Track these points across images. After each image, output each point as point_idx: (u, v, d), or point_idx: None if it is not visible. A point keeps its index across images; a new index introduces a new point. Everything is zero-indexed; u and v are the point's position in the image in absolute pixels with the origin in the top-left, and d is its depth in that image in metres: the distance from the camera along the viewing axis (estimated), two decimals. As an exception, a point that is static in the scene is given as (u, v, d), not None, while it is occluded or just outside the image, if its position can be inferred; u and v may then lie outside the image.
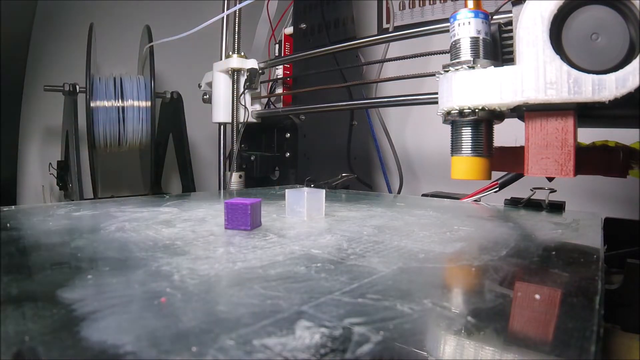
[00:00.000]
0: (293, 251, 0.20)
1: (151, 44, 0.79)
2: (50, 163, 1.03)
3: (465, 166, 0.31)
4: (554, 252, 0.22)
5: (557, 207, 0.38)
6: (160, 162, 1.10)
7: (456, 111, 0.30)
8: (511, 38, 0.30)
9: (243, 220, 0.24)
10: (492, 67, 0.29)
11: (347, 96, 0.78)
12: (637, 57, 0.24)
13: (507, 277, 0.17)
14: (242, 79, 0.72)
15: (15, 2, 0.73)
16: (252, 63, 0.71)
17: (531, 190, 0.40)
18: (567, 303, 0.15)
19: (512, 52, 0.29)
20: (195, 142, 1.05)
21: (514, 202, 0.41)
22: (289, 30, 0.85)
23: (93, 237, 0.23)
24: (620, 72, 0.24)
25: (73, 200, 0.97)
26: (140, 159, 1.10)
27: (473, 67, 0.29)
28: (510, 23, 0.30)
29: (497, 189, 0.44)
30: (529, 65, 0.27)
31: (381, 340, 0.11)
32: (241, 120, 0.72)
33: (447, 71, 0.31)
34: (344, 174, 0.59)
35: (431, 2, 0.88)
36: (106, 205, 0.36)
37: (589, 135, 0.36)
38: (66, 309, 0.13)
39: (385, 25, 0.94)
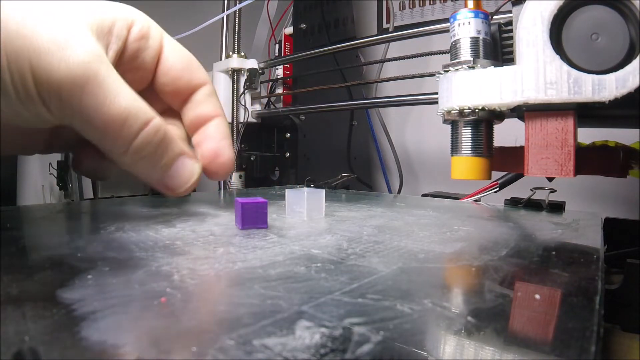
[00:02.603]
0: (293, 251, 0.20)
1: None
2: (50, 163, 1.03)
3: (465, 166, 0.31)
4: (554, 252, 0.22)
5: (557, 207, 0.38)
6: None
7: (456, 111, 0.30)
8: (511, 38, 0.30)
9: (260, 218, 0.25)
10: (492, 67, 0.29)
11: (347, 96, 0.78)
12: (637, 57, 0.24)
13: (507, 277, 0.17)
14: (242, 79, 0.72)
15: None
16: (252, 63, 0.71)
17: (531, 190, 0.40)
18: (567, 303, 0.15)
19: (512, 52, 0.29)
20: (195, 142, 1.05)
21: (514, 202, 0.41)
22: (289, 30, 0.85)
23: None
24: (620, 72, 0.24)
25: (73, 200, 0.97)
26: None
27: (473, 67, 0.29)
28: (510, 23, 0.30)
29: (497, 189, 0.44)
30: (529, 65, 0.27)
31: (381, 340, 0.11)
32: (241, 120, 0.72)
33: (447, 71, 0.31)
34: (344, 174, 0.59)
35: (431, 2, 0.88)
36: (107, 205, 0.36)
37: (589, 135, 0.36)
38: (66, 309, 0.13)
39: (385, 25, 0.94)
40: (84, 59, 0.20)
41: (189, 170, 0.25)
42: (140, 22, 0.25)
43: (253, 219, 0.25)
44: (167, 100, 0.29)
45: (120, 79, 0.22)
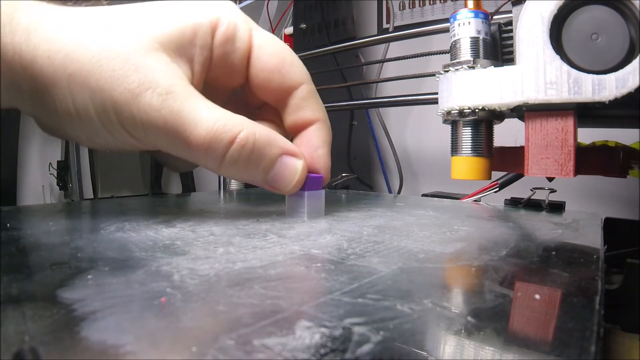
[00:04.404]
0: (293, 251, 0.20)
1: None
2: (50, 163, 1.03)
3: (465, 166, 0.31)
4: (554, 252, 0.22)
5: (557, 207, 0.38)
6: (160, 162, 1.08)
7: (456, 111, 0.30)
8: (511, 38, 0.30)
9: (318, 183, 0.28)
10: (492, 67, 0.29)
11: (347, 96, 0.78)
12: (637, 57, 0.24)
13: (507, 277, 0.17)
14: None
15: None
16: (252, 63, 0.71)
17: (531, 190, 0.40)
18: (567, 303, 0.15)
19: (512, 52, 0.29)
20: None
21: (514, 202, 0.41)
22: (289, 30, 0.85)
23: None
24: (620, 72, 0.24)
25: (73, 200, 0.97)
26: (140, 159, 1.10)
27: (473, 67, 0.29)
28: (510, 23, 0.30)
29: (497, 189, 0.44)
30: (529, 66, 0.27)
31: (381, 340, 0.11)
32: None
33: (447, 71, 0.31)
34: (344, 174, 0.59)
35: (431, 2, 0.88)
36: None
37: (589, 135, 0.36)
38: (66, 309, 0.13)
39: (385, 25, 0.94)
40: (157, 103, 0.21)
41: (291, 169, 0.25)
42: (226, 22, 0.24)
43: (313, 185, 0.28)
44: (265, 99, 0.28)
45: (198, 103, 0.22)
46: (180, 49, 0.22)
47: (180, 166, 0.30)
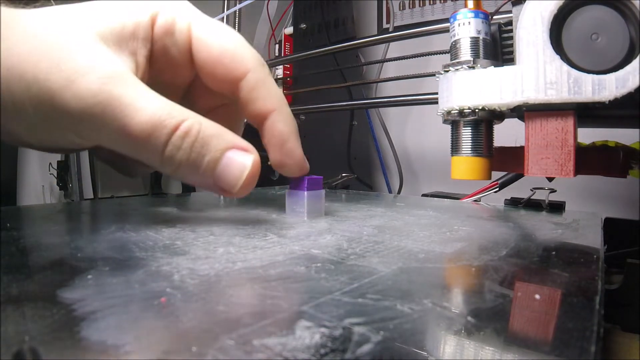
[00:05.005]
0: (293, 251, 0.20)
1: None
2: (50, 163, 1.03)
3: (465, 166, 0.31)
4: (554, 252, 0.22)
5: (557, 207, 0.38)
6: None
7: (456, 111, 0.30)
8: (511, 38, 0.30)
9: (302, 186, 0.29)
10: (492, 67, 0.29)
11: (347, 96, 0.78)
12: (637, 57, 0.24)
13: (507, 277, 0.17)
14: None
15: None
16: (252, 63, 0.71)
17: (531, 190, 0.40)
18: (567, 303, 0.15)
19: (512, 52, 0.29)
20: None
21: (514, 202, 0.41)
22: (289, 30, 0.85)
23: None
24: (620, 72, 0.24)
25: (73, 200, 0.97)
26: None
27: (473, 67, 0.29)
28: (510, 23, 0.30)
29: (497, 189, 0.44)
30: (529, 65, 0.27)
31: (381, 340, 0.11)
32: (241, 120, 0.72)
33: (447, 71, 0.31)
34: (344, 174, 0.59)
35: (431, 2, 0.88)
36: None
37: (589, 135, 0.36)
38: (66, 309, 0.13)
39: (385, 25, 0.94)
40: (95, 87, 0.20)
41: (239, 165, 0.22)
42: (163, 16, 0.23)
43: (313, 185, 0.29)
44: (223, 93, 0.26)
45: (141, 90, 0.21)
46: (123, 42, 0.22)
47: (133, 170, 0.28)
